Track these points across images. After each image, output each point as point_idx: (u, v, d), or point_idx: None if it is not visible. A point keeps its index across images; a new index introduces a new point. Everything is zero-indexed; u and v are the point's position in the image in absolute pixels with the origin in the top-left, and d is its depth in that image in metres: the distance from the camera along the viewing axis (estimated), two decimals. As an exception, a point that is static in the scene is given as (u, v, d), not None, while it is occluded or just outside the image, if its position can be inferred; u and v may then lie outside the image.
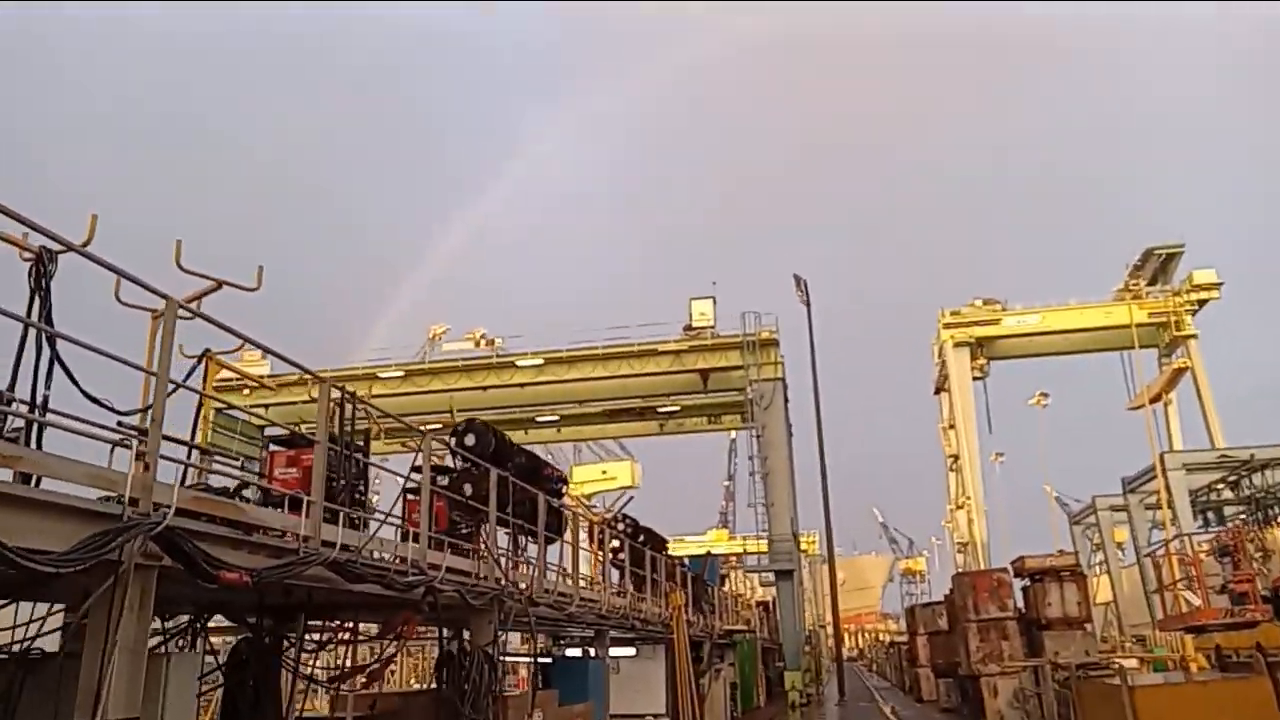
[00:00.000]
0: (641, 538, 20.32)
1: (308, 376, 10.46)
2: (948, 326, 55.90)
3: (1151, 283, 52.78)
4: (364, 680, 8.38)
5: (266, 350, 8.24)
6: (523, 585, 11.08)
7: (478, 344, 47.84)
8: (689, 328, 46.18)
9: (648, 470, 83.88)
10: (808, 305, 43.43)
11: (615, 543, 18.17)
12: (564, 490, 13.88)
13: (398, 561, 8.36)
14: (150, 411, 5.51)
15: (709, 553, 30.11)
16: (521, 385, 47.46)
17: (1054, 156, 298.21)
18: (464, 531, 12.34)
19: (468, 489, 11.03)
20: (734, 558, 73.06)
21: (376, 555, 8.70)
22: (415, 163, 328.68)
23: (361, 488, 10.19)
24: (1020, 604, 25.82)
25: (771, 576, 42.88)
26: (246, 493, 6.58)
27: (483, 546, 11.20)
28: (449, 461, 11.89)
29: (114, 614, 4.89)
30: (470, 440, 11.32)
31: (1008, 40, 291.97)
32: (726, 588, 43.21)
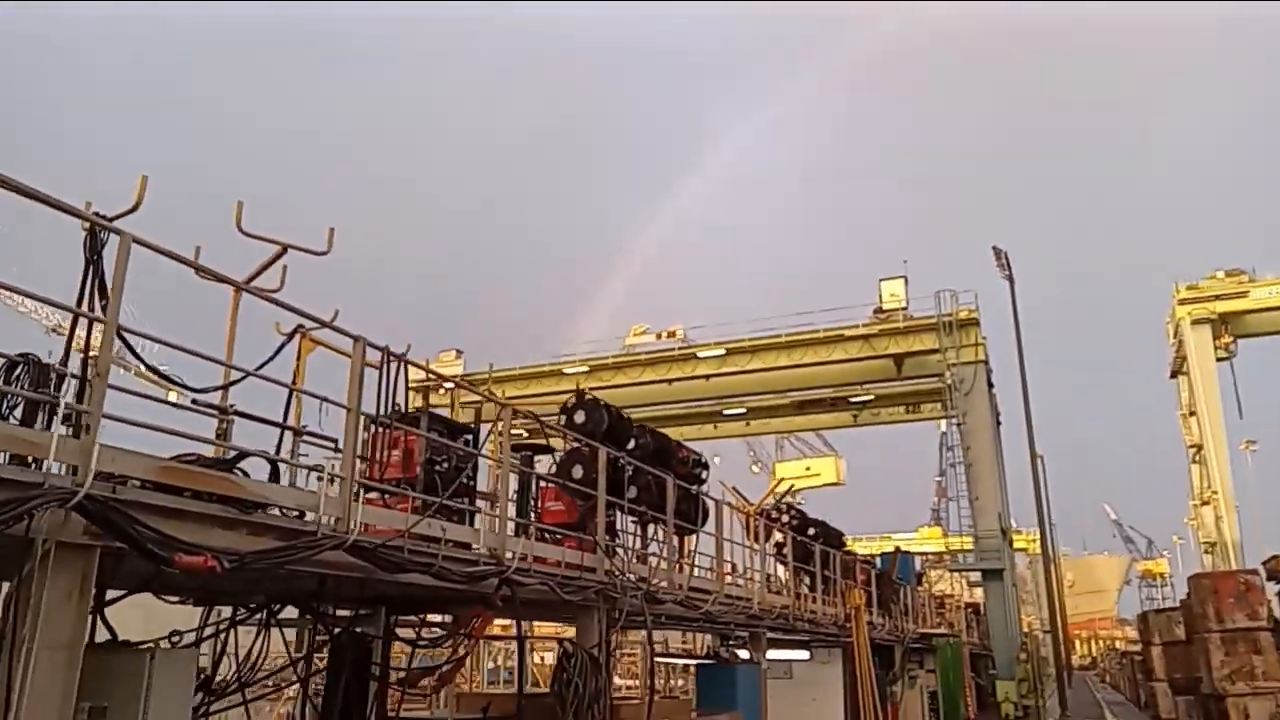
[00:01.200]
0: (812, 531, 18.64)
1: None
2: (1184, 302, 50.04)
3: None
4: (433, 683, 7.50)
5: (338, 330, 7.45)
6: (645, 579, 9.86)
7: (659, 337, 47.21)
8: (879, 310, 43.43)
9: (855, 465, 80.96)
10: (1010, 280, 39.59)
11: (779, 536, 16.63)
12: (704, 475, 12.54)
13: (477, 551, 7.37)
14: (96, 365, 4.70)
15: (898, 549, 27.74)
16: (706, 378, 46.33)
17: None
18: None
19: (577, 471, 9.95)
20: (947, 557, 68.79)
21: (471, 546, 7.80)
22: (610, 170, 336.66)
23: (471, 473, 9.35)
24: (1277, 612, 21.96)
25: (978, 576, 39.62)
26: (244, 465, 5.71)
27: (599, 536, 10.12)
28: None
29: (19, 604, 4.10)
30: (580, 418, 10.23)
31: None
32: (926, 588, 40.30)
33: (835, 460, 79.78)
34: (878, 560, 27.97)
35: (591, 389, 44.69)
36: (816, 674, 18.35)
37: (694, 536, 12.26)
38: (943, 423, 59.79)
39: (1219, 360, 50.88)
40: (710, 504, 12.51)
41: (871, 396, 49.03)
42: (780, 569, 17.71)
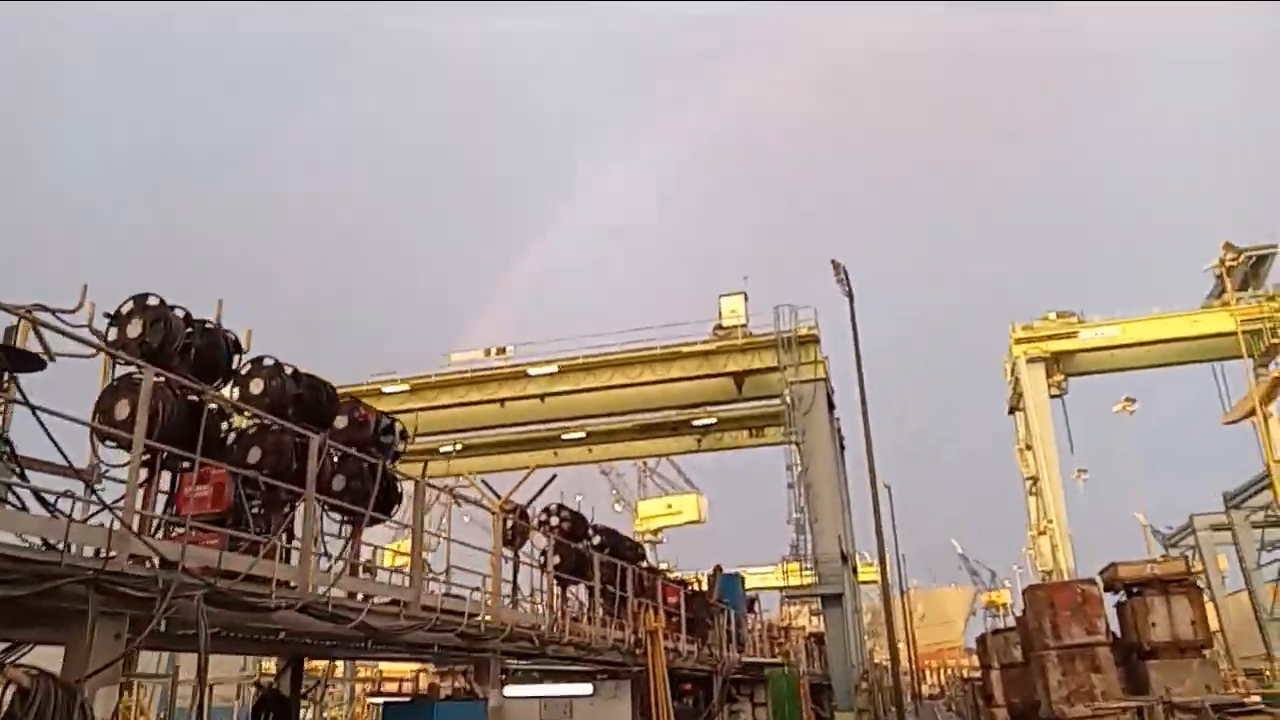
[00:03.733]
0: (598, 539, 15.56)
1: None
2: (1020, 342, 50.80)
3: (1241, 288, 46.61)
4: None
5: None
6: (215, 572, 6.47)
7: (488, 354, 43.67)
8: (719, 327, 41.36)
9: (717, 500, 79.01)
10: (850, 296, 37.96)
11: (541, 541, 13.43)
12: (398, 445, 9.28)
13: None
14: None
15: (718, 567, 25.04)
16: (540, 397, 43.02)
17: (1123, 166, 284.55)
18: (255, 512, 7.94)
19: (122, 410, 6.53)
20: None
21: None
22: (478, 214, 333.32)
23: None
24: (1115, 626, 20.23)
25: (819, 604, 37.49)
26: None
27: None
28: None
29: None
30: (135, 330, 6.79)
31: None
32: (769, 617, 37.95)
33: (697, 498, 78.00)
34: (704, 582, 25.16)
35: (410, 409, 40.87)
36: (601, 711, 15.18)
37: (379, 526, 8.96)
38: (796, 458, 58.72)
39: (1052, 397, 51.87)
40: (406, 487, 9.24)
41: (714, 420, 46.97)
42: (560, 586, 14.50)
